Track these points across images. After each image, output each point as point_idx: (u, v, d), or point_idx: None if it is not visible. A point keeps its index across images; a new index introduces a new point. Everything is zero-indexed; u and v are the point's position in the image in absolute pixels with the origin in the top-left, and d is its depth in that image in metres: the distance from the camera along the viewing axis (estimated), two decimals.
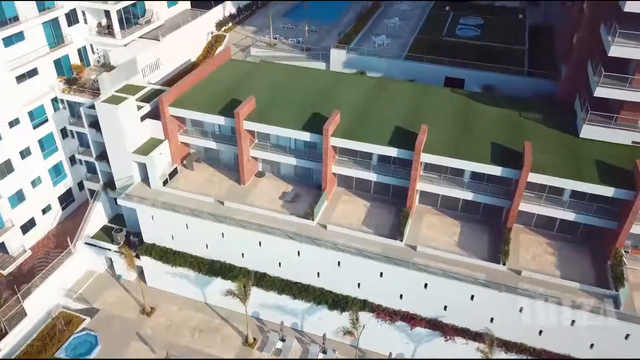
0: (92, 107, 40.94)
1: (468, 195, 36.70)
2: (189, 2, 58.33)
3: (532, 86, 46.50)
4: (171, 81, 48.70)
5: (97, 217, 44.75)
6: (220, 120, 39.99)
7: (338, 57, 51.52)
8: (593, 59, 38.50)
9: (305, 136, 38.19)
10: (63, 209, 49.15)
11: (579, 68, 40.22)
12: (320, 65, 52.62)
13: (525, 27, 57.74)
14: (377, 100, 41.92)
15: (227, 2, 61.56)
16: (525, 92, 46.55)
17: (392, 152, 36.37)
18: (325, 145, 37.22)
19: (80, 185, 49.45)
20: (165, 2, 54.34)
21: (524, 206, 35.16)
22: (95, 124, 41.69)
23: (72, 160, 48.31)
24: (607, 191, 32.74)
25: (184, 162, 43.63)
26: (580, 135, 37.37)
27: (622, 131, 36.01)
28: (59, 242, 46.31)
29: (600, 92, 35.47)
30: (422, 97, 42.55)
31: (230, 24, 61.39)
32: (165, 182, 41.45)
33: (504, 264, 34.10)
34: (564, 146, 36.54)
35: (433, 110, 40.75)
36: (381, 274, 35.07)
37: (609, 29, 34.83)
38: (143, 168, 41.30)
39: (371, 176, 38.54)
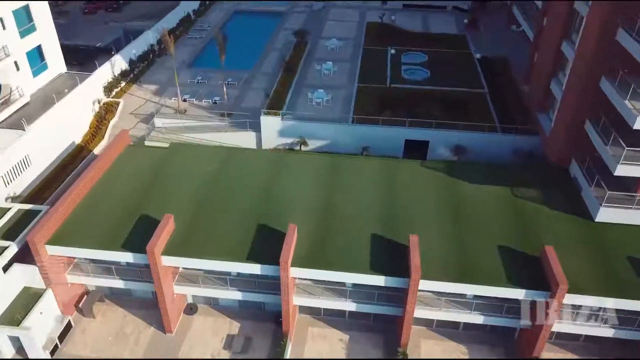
0: None
1: (478, 319, 27.97)
2: (63, 63, 44.76)
3: (509, 144, 38.93)
4: (49, 182, 35.61)
5: None
6: (126, 257, 27.95)
7: (270, 126, 40.90)
8: (593, 115, 31.52)
9: (254, 269, 27.36)
10: None
11: (573, 125, 33.07)
12: (249, 136, 41.71)
13: (475, 61, 50.60)
14: (338, 193, 31.91)
15: (115, 56, 48.59)
16: (501, 152, 38.98)
17: (378, 280, 26.61)
18: (284, 280, 26.68)
19: None
20: (29, 69, 40.62)
21: None
22: None
23: None
24: None
25: (80, 306, 30.93)
26: (596, 220, 30.02)
27: None
28: None
29: (623, 170, 28.26)
30: (392, 181, 33.13)
31: (123, 84, 48.47)
32: (54, 350, 28.64)
33: None
34: (586, 241, 28.82)
35: (412, 201, 31.43)
36: None
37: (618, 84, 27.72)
38: (17, 339, 28.17)
39: (348, 306, 28.58)
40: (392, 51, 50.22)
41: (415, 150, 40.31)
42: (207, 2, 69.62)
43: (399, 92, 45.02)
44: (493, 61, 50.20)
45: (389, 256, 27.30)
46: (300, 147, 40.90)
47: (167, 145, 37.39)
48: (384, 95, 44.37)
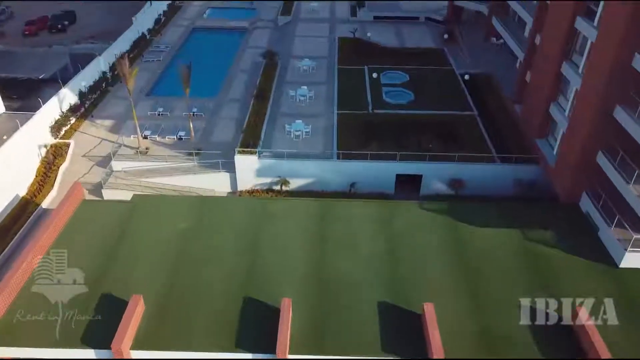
0: None
1: None
2: (0, 101, 38.92)
3: (508, 174, 35.85)
4: None
5: None
6: (86, 354, 23.04)
7: (246, 166, 36.43)
8: (605, 146, 28.81)
9: (246, 357, 23.01)
10: None
11: (584, 158, 30.19)
12: (222, 178, 37.14)
13: (458, 79, 47.51)
14: (332, 250, 27.86)
15: (63, 89, 42.90)
16: (501, 184, 35.91)
17: None
18: None
19: None
20: None
21: None
22: None
23: None
24: None
25: None
26: (621, 266, 27.13)
27: None
28: None
29: None
30: (390, 229, 29.32)
31: (73, 121, 42.91)
32: None
33: None
34: (614, 293, 25.82)
35: (416, 255, 27.70)
36: None
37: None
38: None
39: None
40: (375, 75, 46.23)
41: (408, 184, 36.78)
42: (162, 20, 64.17)
43: (384, 118, 41.34)
44: (478, 78, 47.25)
45: (401, 331, 23.49)
46: (281, 187, 36.67)
47: (129, 197, 32.38)
48: (367, 123, 40.58)
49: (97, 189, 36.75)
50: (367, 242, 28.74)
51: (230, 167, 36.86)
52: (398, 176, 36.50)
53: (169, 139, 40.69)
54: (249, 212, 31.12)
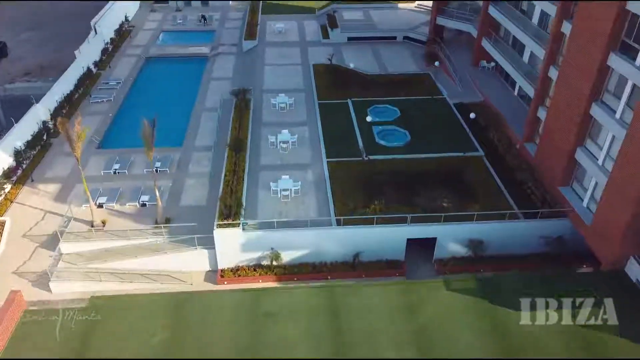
0: None
1: None
2: None
3: (534, 231, 31.20)
4: None
5: None
6: None
7: (228, 240, 30.18)
8: None
9: None
10: None
11: (634, 220, 25.77)
12: (199, 256, 30.82)
13: (453, 110, 42.80)
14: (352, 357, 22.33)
15: None
16: (525, 242, 31.25)
17: None
18: None
19: None
20: None
21: None
22: None
23: None
24: None
25: None
26: None
27: None
28: None
29: None
30: (415, 321, 24.06)
31: (7, 189, 35.30)
32: None
33: None
34: None
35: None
36: None
37: None
38: None
39: None
40: (369, 118, 40.40)
41: (420, 247, 31.62)
42: (110, 49, 56.57)
43: (381, 167, 35.98)
44: (474, 109, 42.67)
45: None
46: (272, 262, 30.69)
47: (85, 290, 25.64)
48: (364, 175, 35.12)
49: (42, 280, 29.62)
50: (393, 345, 23.27)
51: (208, 242, 30.53)
52: (409, 242, 31.22)
53: (130, 206, 33.90)
54: (239, 312, 24.97)
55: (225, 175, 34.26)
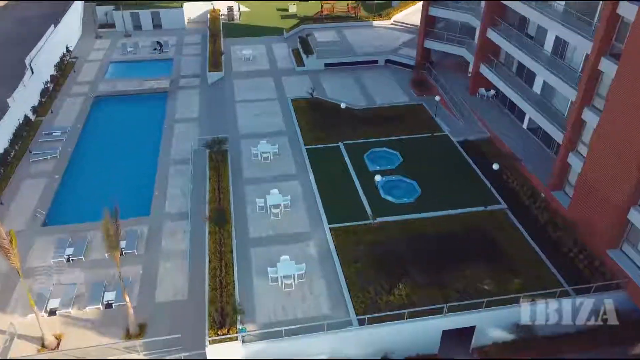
0: None
1: None
2: None
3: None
4: None
5: None
6: None
7: (226, 356, 23.80)
8: None
9: None
10: None
11: None
12: None
13: (462, 153, 37.82)
14: None
15: None
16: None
17: None
18: None
19: None
20: None
21: None
22: None
23: None
24: None
25: None
26: None
27: None
28: None
29: None
30: None
31: None
32: None
33: None
34: None
35: None
36: None
37: None
38: None
39: None
40: (378, 179, 33.22)
41: (456, 337, 26.27)
42: (51, 88, 48.46)
43: (395, 232, 30.37)
44: (481, 146, 37.92)
45: None
46: None
47: None
48: (377, 245, 29.40)
49: None
50: None
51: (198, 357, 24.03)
52: (445, 332, 25.81)
53: (91, 310, 26.85)
54: None
55: (209, 261, 27.74)
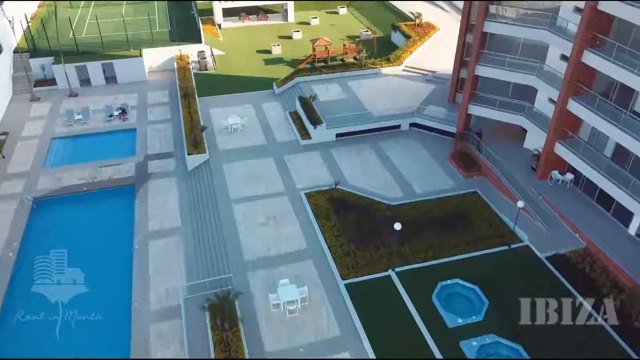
0: None
1: None
2: None
3: None
4: None
5: None
6: None
7: None
8: None
9: None
10: None
11: None
12: None
13: (562, 282, 27.50)
14: None
15: None
16: None
17: None
18: None
19: None
20: None
21: None
22: None
23: None
24: None
25: None
26: None
27: None
28: None
29: None
30: None
31: None
32: None
33: None
34: None
35: None
36: None
37: None
38: None
39: None
40: (466, 347, 22.65)
41: None
42: None
43: None
44: (578, 263, 27.89)
45: None
46: None
47: None
48: None
49: None
50: None
51: None
52: None
53: None
54: None
55: None
